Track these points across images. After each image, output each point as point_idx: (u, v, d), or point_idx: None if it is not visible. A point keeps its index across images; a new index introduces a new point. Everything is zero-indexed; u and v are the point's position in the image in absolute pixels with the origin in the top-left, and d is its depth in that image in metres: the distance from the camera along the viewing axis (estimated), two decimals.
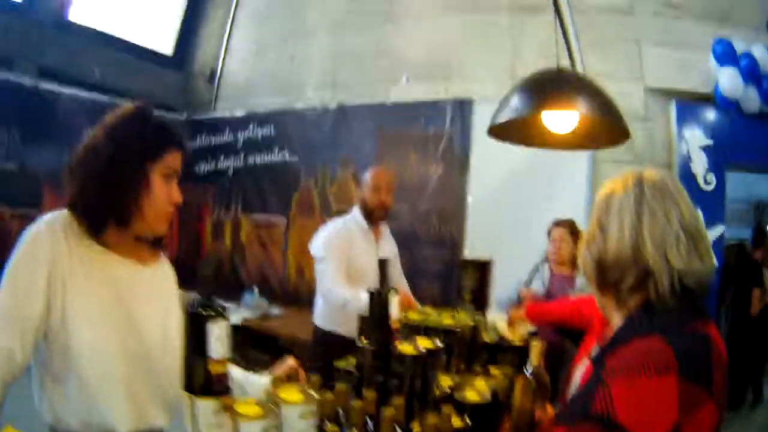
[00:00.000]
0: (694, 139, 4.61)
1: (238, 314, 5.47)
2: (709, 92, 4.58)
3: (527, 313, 2.91)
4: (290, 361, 2.02)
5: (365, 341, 1.87)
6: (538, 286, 4.08)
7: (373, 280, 3.66)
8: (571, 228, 4.07)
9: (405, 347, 1.82)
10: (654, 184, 1.37)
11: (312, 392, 1.45)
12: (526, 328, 2.98)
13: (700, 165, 4.60)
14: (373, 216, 3.76)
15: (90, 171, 1.59)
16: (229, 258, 6.36)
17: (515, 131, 2.65)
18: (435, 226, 5.21)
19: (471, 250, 4.79)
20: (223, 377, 1.49)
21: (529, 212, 4.70)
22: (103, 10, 6.31)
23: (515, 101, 2.31)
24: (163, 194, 1.64)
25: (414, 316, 2.48)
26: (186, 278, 5.85)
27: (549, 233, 4.15)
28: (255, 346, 5.60)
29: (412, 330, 2.35)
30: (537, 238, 4.29)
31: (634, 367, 1.18)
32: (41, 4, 5.69)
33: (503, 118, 2.34)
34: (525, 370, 1.66)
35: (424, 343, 1.89)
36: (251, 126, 6.12)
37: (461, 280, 2.86)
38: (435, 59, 5.55)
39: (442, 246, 5.15)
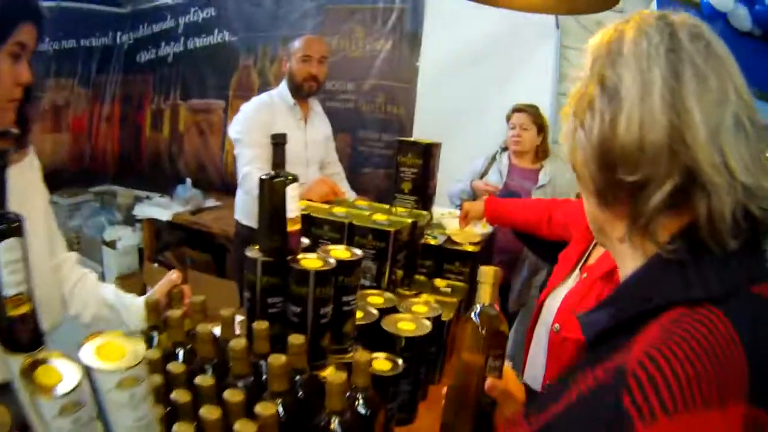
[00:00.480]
0: None
1: (169, 209, 4.92)
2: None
3: (486, 209, 2.37)
4: (173, 276, 1.59)
5: (256, 249, 1.31)
6: (495, 179, 3.55)
7: (300, 166, 3.15)
8: (534, 115, 3.52)
9: (309, 260, 1.26)
10: (692, 31, 0.77)
11: (140, 346, 0.90)
12: (482, 227, 2.46)
13: None
14: (301, 90, 3.18)
15: None
16: (167, 148, 5.88)
17: None
18: (381, 105, 4.67)
19: (421, 135, 4.23)
20: (26, 322, 1.04)
21: (486, 96, 4.14)
22: None
23: None
24: (7, 76, 1.35)
25: (339, 210, 1.91)
26: (125, 174, 5.27)
27: (508, 119, 3.60)
28: (192, 245, 5.13)
29: (333, 228, 1.79)
30: (495, 125, 3.76)
31: (684, 390, 0.62)
32: None
33: None
34: (471, 312, 1.06)
35: (337, 253, 1.33)
36: (192, 10, 5.56)
37: (399, 168, 2.28)
38: None
39: (389, 129, 4.62)
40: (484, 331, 1.01)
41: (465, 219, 2.43)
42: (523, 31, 3.91)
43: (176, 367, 1.11)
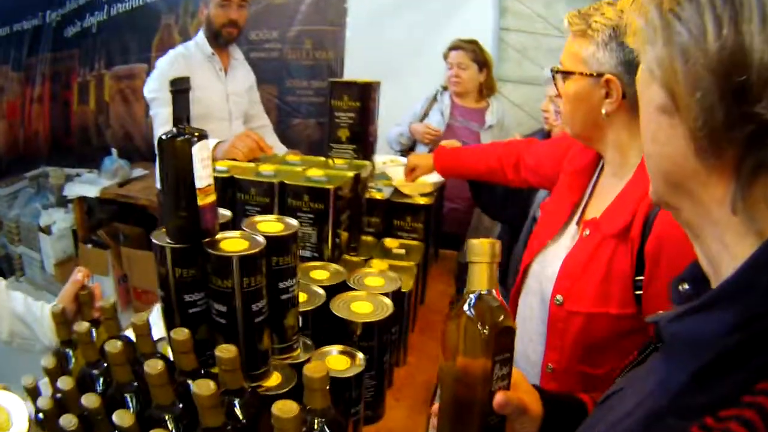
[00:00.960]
0: None
1: (97, 185, 4.60)
2: None
3: (436, 162, 2.10)
4: (78, 276, 1.38)
5: (162, 231, 1.01)
6: (437, 120, 3.28)
7: (223, 120, 2.90)
8: (473, 51, 3.21)
9: (230, 240, 0.97)
10: None
11: (21, 411, 0.67)
12: (435, 177, 2.20)
13: None
14: (220, 37, 2.89)
15: None
16: (94, 121, 5.56)
17: None
18: (309, 51, 4.39)
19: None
20: None
21: (423, 35, 3.85)
22: None
23: None
24: None
25: (267, 168, 1.60)
26: (58, 153, 5.16)
27: (445, 58, 3.30)
28: (124, 220, 4.82)
29: (261, 191, 1.50)
30: (434, 65, 3.44)
31: None
32: None
33: None
34: (464, 303, 0.77)
35: (267, 226, 1.05)
36: None
37: (333, 114, 1.97)
38: None
39: (318, 75, 4.34)
40: (485, 331, 0.74)
41: (411, 174, 2.16)
42: None
43: (91, 400, 0.89)
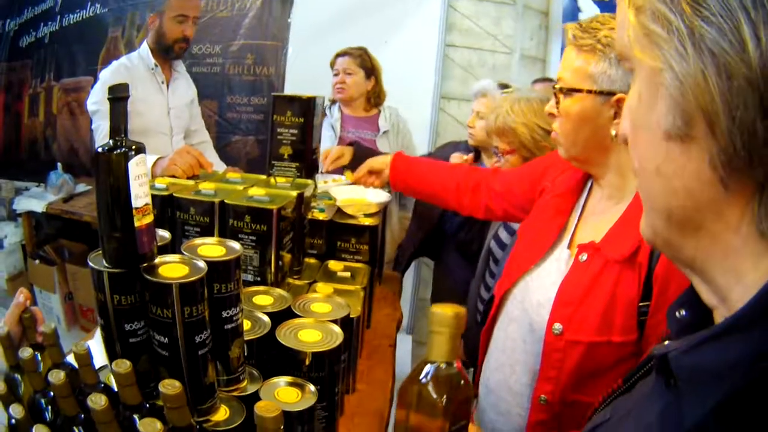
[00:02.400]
0: None
1: (43, 199, 4.47)
2: None
3: (390, 173, 2.03)
4: (20, 298, 1.24)
5: (99, 253, 0.92)
6: (328, 135, 3.13)
7: (163, 135, 2.85)
8: (361, 58, 3.14)
9: (169, 265, 0.90)
10: None
11: None
12: (380, 196, 2.14)
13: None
14: (171, 52, 2.87)
15: None
16: (42, 134, 5.45)
17: None
18: (250, 67, 4.32)
19: None
20: None
21: None
22: None
23: None
24: None
25: (207, 186, 1.52)
26: (9, 165, 5.45)
27: (332, 66, 3.21)
28: (69, 236, 4.69)
29: (200, 211, 1.42)
30: None
31: None
32: None
33: None
34: (422, 373, 0.74)
35: (207, 250, 0.98)
36: None
37: (275, 130, 1.89)
38: None
39: (258, 92, 4.25)
40: (443, 400, 0.69)
41: (365, 177, 2.11)
42: None
43: None
